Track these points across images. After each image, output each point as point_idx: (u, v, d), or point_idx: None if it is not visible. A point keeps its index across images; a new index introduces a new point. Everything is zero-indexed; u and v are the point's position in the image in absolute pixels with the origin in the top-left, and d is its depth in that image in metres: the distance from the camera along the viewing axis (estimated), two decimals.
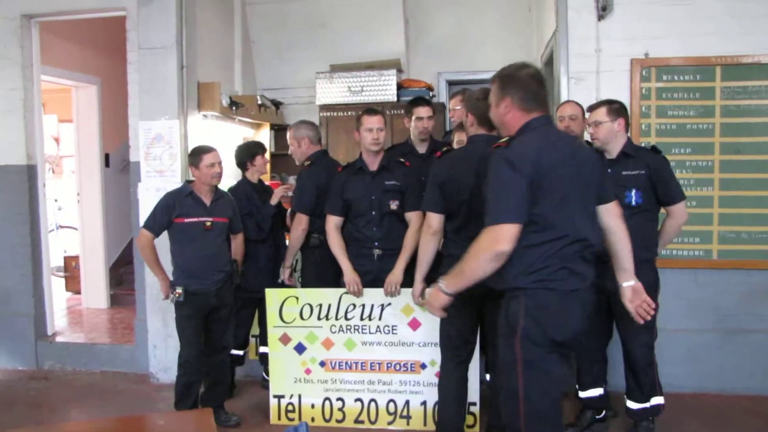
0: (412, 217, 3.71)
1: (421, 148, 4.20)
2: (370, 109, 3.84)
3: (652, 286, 3.46)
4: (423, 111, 4.19)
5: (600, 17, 4.35)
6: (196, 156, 3.77)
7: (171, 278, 3.81)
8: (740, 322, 4.32)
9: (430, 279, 3.21)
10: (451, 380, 3.30)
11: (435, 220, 3.18)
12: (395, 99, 5.88)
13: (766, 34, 4.22)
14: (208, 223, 3.74)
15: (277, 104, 6.36)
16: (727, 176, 4.29)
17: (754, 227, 4.28)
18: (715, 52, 4.26)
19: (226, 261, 3.86)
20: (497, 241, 2.33)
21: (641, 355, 3.50)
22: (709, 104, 4.29)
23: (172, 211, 3.73)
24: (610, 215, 2.71)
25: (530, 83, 2.57)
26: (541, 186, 2.37)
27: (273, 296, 3.85)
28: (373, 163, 3.80)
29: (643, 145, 4.04)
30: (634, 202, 3.44)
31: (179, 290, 3.71)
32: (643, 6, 4.33)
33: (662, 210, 3.57)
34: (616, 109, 3.50)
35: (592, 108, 3.61)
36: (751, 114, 4.26)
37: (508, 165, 2.36)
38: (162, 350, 4.73)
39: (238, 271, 4.00)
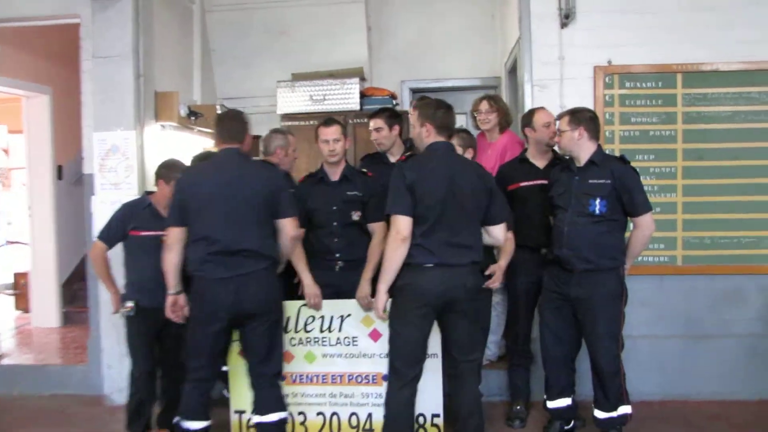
0: (375, 228, 3.72)
1: (393, 158, 4.19)
2: (328, 119, 3.85)
3: (616, 295, 3.52)
4: (373, 123, 4.18)
5: (563, 25, 4.43)
6: (168, 172, 3.69)
7: (122, 292, 3.76)
8: (706, 327, 4.40)
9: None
10: (401, 399, 3.23)
11: (405, 223, 3.12)
12: (358, 107, 5.83)
13: (724, 44, 4.35)
14: (165, 238, 3.70)
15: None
16: (690, 182, 4.38)
17: (717, 232, 4.38)
18: (676, 60, 4.36)
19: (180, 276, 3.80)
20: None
21: (608, 364, 3.52)
22: (671, 111, 4.39)
23: (128, 223, 3.68)
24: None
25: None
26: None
27: None
28: (334, 173, 3.82)
29: (608, 152, 4.10)
30: (597, 211, 3.48)
31: (130, 304, 3.65)
32: (605, 14, 4.42)
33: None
34: (579, 118, 3.55)
35: (558, 117, 3.67)
36: (711, 120, 4.36)
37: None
38: (117, 370, 4.62)
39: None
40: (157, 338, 3.76)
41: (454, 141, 3.63)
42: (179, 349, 3.78)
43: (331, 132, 3.75)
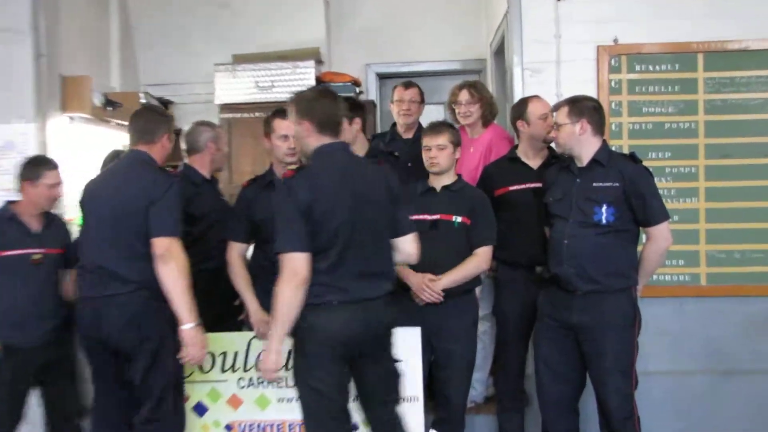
0: None
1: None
2: (284, 110, 3.72)
3: (627, 322, 3.52)
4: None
5: None
6: (35, 169, 3.65)
7: None
8: (735, 361, 4.38)
9: None
10: None
11: (302, 262, 2.91)
12: None
13: (755, 15, 4.34)
14: (37, 256, 3.60)
15: (166, 103, 6.22)
16: (714, 184, 4.37)
17: (747, 245, 4.36)
18: (696, 37, 4.35)
19: (58, 306, 3.69)
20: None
21: (618, 406, 3.50)
22: (690, 99, 4.38)
23: None
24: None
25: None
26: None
27: None
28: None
29: (614, 149, 4.06)
30: (604, 220, 3.47)
31: None
32: None
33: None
34: (580, 108, 3.55)
35: (556, 107, 3.67)
36: (739, 110, 4.36)
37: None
38: None
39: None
40: (29, 387, 3.67)
41: (442, 139, 3.67)
42: (69, 395, 3.74)
43: (290, 126, 3.62)
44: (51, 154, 4.49)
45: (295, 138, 3.25)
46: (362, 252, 3.01)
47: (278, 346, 2.99)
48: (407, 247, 3.21)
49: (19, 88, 4.45)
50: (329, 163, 3.06)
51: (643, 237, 3.61)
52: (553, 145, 3.86)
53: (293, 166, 3.21)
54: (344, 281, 2.98)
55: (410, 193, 3.76)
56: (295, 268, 2.90)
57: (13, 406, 3.60)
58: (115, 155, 4.30)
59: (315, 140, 3.07)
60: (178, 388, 3.48)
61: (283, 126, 3.67)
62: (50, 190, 3.65)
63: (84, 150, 4.92)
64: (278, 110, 3.79)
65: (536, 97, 4.08)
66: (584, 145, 3.54)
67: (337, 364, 3.04)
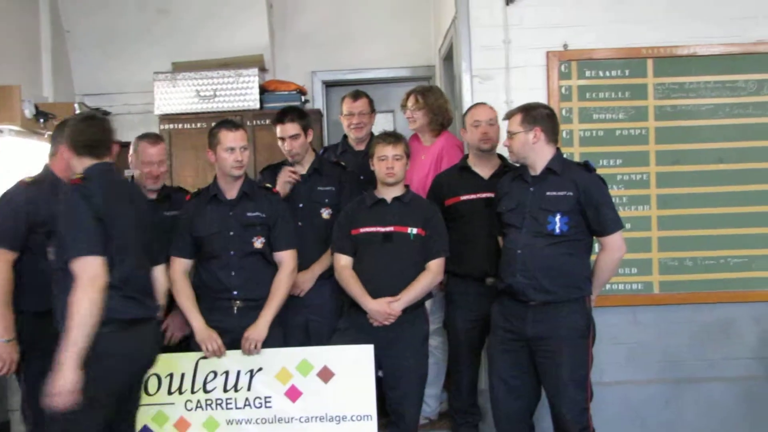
0: (283, 257, 3.70)
1: (301, 168, 4.12)
2: (229, 121, 3.77)
3: (582, 332, 3.52)
4: (281, 130, 4.07)
5: (508, 1, 4.44)
6: None
7: None
8: (690, 369, 4.44)
9: None
10: None
11: (100, 266, 2.83)
12: (258, 106, 5.77)
13: (703, 21, 4.41)
14: None
15: (102, 114, 6.07)
16: (666, 191, 4.43)
17: (700, 252, 4.43)
18: (645, 43, 4.41)
19: None
20: None
21: (573, 419, 3.50)
22: (641, 105, 4.44)
23: None
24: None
25: None
26: None
27: None
28: (231, 190, 3.72)
29: (565, 156, 4.09)
30: (558, 230, 3.48)
31: None
32: None
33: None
34: (533, 116, 3.54)
35: (509, 115, 3.66)
36: (689, 116, 4.43)
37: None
38: None
39: None
40: None
41: (399, 149, 3.68)
42: None
43: (239, 137, 3.67)
44: None
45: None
46: (145, 266, 3.18)
47: (74, 362, 2.75)
48: (160, 274, 3.35)
49: None
50: (110, 179, 3.10)
51: (596, 246, 3.62)
52: (506, 153, 3.85)
53: (79, 175, 3.08)
54: (140, 293, 3.07)
55: (359, 206, 3.75)
56: (95, 271, 2.81)
57: None
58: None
59: (79, 164, 3.09)
60: None
61: (229, 138, 3.63)
62: None
63: (14, 164, 4.79)
64: (223, 122, 3.75)
65: (478, 104, 4.10)
66: (538, 154, 3.53)
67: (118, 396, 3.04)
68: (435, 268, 3.68)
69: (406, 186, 3.84)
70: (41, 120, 5.10)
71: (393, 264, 3.63)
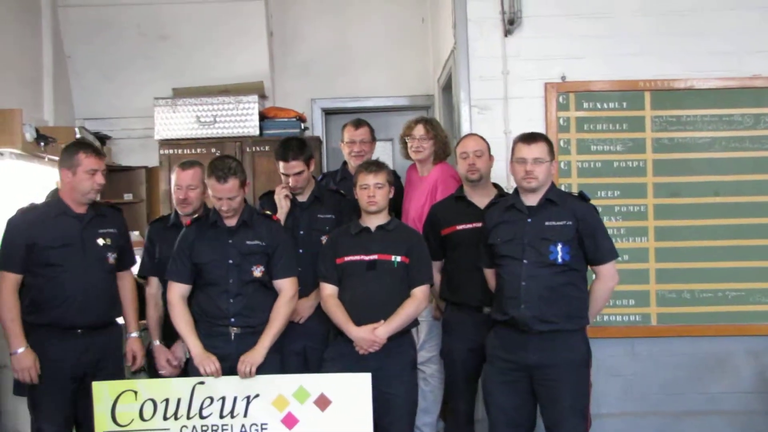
0: (283, 285, 3.69)
1: (301, 196, 4.12)
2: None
3: (583, 362, 3.52)
4: (286, 167, 4.04)
5: (507, 32, 4.46)
6: None
7: None
8: (688, 402, 4.42)
9: None
10: None
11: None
12: (257, 132, 5.80)
13: (700, 54, 4.45)
14: None
15: (103, 139, 6.11)
16: (663, 223, 4.44)
17: (698, 285, 4.43)
18: (643, 75, 4.44)
19: None
20: None
21: None
22: (638, 137, 4.45)
23: None
24: None
25: None
26: None
27: (102, 390, 3.60)
28: (230, 217, 3.71)
29: (563, 187, 4.15)
30: (560, 259, 3.46)
31: None
32: (557, 19, 4.48)
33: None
34: (552, 148, 3.57)
35: (526, 139, 3.56)
36: (686, 149, 4.44)
37: None
38: None
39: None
40: None
41: (381, 178, 3.65)
42: None
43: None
44: None
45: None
46: None
47: None
48: None
49: None
50: None
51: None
52: (513, 184, 3.76)
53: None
54: None
55: (343, 235, 3.76)
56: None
57: None
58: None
59: None
60: None
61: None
62: None
63: (14, 187, 4.80)
64: (216, 160, 3.74)
65: (468, 135, 4.09)
66: (547, 185, 3.55)
67: None
68: (420, 295, 3.66)
69: (391, 214, 3.85)
70: (42, 144, 5.10)
71: (378, 292, 3.61)
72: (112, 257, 3.78)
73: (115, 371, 3.79)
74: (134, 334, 3.90)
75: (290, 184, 4.03)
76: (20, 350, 3.56)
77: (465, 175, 3.98)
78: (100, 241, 3.74)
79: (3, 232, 3.73)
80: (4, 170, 4.86)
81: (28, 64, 5.75)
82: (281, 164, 4.03)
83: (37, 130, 5.07)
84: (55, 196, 3.93)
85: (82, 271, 3.66)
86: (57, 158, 5.40)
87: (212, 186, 3.61)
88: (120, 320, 3.93)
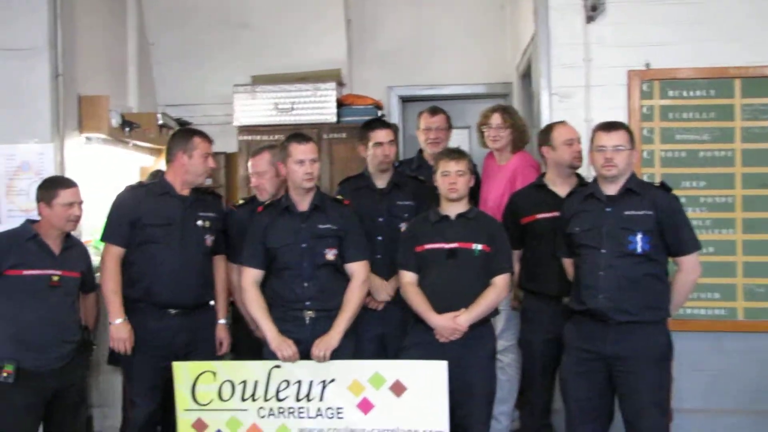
0: (355, 269, 3.72)
1: (381, 182, 4.14)
2: (299, 135, 3.81)
3: (665, 355, 3.48)
4: (382, 135, 4.12)
5: (589, 19, 4.41)
6: (49, 189, 3.67)
7: None
8: None
9: None
10: None
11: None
12: (335, 120, 5.83)
13: None
14: (56, 278, 3.61)
15: (183, 124, 6.21)
16: (751, 215, 4.33)
17: None
18: (733, 62, 4.33)
19: (77, 328, 3.76)
20: None
21: None
22: (727, 126, 4.35)
23: (4, 259, 3.59)
24: None
25: None
26: None
27: (183, 371, 3.70)
28: (302, 202, 3.75)
29: (645, 177, 4.10)
30: (640, 249, 3.43)
31: (9, 368, 3.50)
32: (642, 5, 4.41)
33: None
34: (632, 136, 3.55)
35: (606, 127, 3.55)
36: None
37: None
38: None
39: (92, 342, 3.94)
40: (43, 414, 3.67)
41: (462, 165, 3.65)
42: (75, 424, 3.78)
43: (309, 150, 3.70)
44: (68, 175, 4.52)
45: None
46: None
47: None
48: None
49: (36, 108, 4.46)
50: None
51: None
52: (590, 170, 3.80)
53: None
54: None
55: (423, 222, 3.75)
56: None
57: None
58: (157, 175, 4.46)
59: None
60: None
61: (299, 150, 3.67)
62: (66, 210, 3.63)
63: (101, 171, 4.92)
64: (293, 135, 3.80)
65: (562, 122, 4.06)
66: (626, 174, 3.51)
67: None
68: (500, 284, 3.65)
69: (471, 203, 3.83)
70: (126, 129, 5.24)
71: (457, 280, 3.61)
72: (210, 240, 3.88)
73: (206, 355, 3.86)
74: (222, 321, 3.99)
75: (383, 153, 4.08)
76: (118, 321, 3.69)
77: (570, 162, 3.95)
78: (200, 223, 3.84)
79: (110, 207, 3.86)
80: (92, 155, 4.99)
81: (114, 52, 5.87)
82: (375, 134, 4.11)
83: (122, 116, 5.21)
84: (157, 177, 4.05)
85: (180, 250, 3.77)
86: (141, 143, 5.59)
87: (294, 149, 3.66)
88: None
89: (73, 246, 3.79)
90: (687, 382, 4.05)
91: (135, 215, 3.76)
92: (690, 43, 4.35)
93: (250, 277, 3.72)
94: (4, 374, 3.51)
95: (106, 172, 5.00)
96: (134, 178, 5.49)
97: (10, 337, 3.58)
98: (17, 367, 3.52)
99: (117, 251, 3.76)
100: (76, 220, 3.71)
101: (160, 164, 5.95)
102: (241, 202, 4.33)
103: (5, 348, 3.57)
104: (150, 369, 3.78)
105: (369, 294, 3.90)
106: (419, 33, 6.52)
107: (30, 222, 3.76)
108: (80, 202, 3.71)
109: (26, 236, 3.65)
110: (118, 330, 3.69)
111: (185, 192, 3.85)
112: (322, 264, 3.68)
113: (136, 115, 5.62)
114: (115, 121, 5.06)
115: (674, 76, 4.36)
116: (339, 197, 3.94)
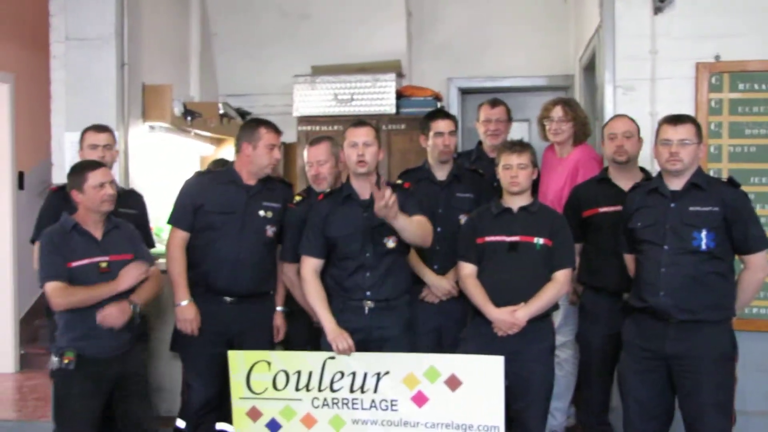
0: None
1: (441, 173, 4.12)
2: (359, 120, 3.80)
3: (727, 356, 3.41)
4: (443, 125, 4.09)
5: (656, 10, 4.36)
6: (78, 175, 3.63)
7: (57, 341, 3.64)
8: None
9: None
10: None
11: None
12: (394, 111, 5.86)
13: None
14: (104, 264, 3.62)
15: (244, 114, 6.30)
16: None
17: None
18: None
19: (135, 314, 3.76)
20: None
21: None
22: None
23: (62, 253, 3.57)
24: None
25: None
26: None
27: (238, 360, 3.73)
28: (363, 190, 3.72)
29: (712, 173, 4.05)
30: (704, 246, 3.36)
31: (69, 355, 3.54)
32: None
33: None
34: (700, 131, 3.47)
35: (672, 120, 3.49)
36: None
37: None
38: None
39: (149, 327, 3.99)
40: (106, 403, 3.69)
41: (524, 158, 3.61)
42: (143, 411, 3.80)
43: (362, 133, 3.63)
44: (132, 162, 4.61)
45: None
46: None
47: None
48: None
49: (101, 96, 4.56)
50: None
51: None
52: (654, 164, 3.76)
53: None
54: None
55: (484, 215, 3.72)
56: None
57: (88, 423, 3.61)
58: (221, 164, 4.49)
59: None
60: None
61: (354, 133, 3.63)
62: (98, 191, 3.58)
63: (163, 159, 5.00)
64: (355, 122, 3.78)
65: (617, 116, 4.03)
66: (692, 169, 3.45)
67: None
68: (562, 279, 3.60)
69: (533, 196, 3.79)
70: (188, 118, 5.31)
71: (518, 274, 3.57)
72: (271, 230, 3.87)
73: (261, 343, 3.87)
74: (279, 309, 4.01)
75: (444, 144, 4.05)
76: (184, 302, 3.75)
77: (611, 156, 3.90)
78: (262, 213, 3.85)
79: (178, 192, 3.91)
80: (155, 143, 5.07)
81: (177, 43, 5.98)
82: (436, 124, 4.09)
83: (184, 105, 5.29)
84: (223, 165, 4.12)
85: (238, 239, 3.79)
86: (202, 132, 5.66)
87: (349, 133, 3.65)
88: None
89: (115, 227, 3.73)
90: (751, 384, 3.97)
91: (198, 201, 3.81)
92: (761, 34, 4.26)
93: (310, 266, 3.69)
94: (66, 361, 3.54)
95: (167, 160, 5.07)
96: (194, 167, 5.56)
97: (67, 326, 3.61)
98: (77, 354, 3.56)
99: (182, 235, 3.82)
100: (111, 199, 3.63)
101: (220, 153, 6.06)
102: (297, 199, 4.14)
103: (66, 337, 3.61)
104: (205, 352, 3.83)
105: (426, 287, 3.92)
106: (479, 24, 6.50)
107: (68, 214, 3.74)
108: (111, 181, 3.67)
109: (67, 228, 3.63)
110: (183, 312, 3.75)
111: (251, 182, 3.87)
112: (384, 252, 3.66)
113: (197, 105, 5.70)
114: (178, 110, 5.15)
115: (745, 68, 4.27)
116: (398, 181, 3.90)
